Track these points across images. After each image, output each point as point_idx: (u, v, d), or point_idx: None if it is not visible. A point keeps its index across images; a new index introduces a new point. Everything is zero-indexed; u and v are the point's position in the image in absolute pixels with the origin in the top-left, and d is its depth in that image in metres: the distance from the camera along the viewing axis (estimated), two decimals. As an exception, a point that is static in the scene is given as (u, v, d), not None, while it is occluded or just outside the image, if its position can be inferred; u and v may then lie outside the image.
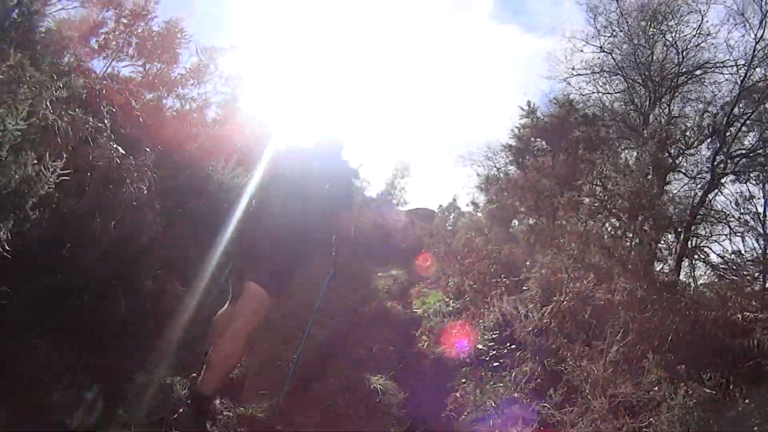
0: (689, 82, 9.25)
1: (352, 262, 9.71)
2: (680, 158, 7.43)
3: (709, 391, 3.25)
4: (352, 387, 4.30)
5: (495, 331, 5.81)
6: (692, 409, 3.18)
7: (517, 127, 10.14)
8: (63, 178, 2.63)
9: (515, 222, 9.00)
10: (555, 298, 5.26)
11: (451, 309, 7.92)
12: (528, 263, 7.06)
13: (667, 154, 6.84)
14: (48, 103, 2.67)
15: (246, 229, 3.46)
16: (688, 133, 7.41)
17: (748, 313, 4.39)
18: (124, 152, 3.52)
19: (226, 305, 3.41)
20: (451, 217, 17.70)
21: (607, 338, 4.15)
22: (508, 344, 5.43)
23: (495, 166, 11.96)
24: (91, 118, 3.23)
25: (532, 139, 9.21)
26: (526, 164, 7.49)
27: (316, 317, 4.02)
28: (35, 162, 2.45)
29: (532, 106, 9.69)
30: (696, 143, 7.44)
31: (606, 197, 5.67)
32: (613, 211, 5.43)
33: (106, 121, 3.65)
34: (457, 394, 4.62)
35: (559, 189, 7.11)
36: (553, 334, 5.07)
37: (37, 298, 2.59)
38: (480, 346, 5.64)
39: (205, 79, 8.05)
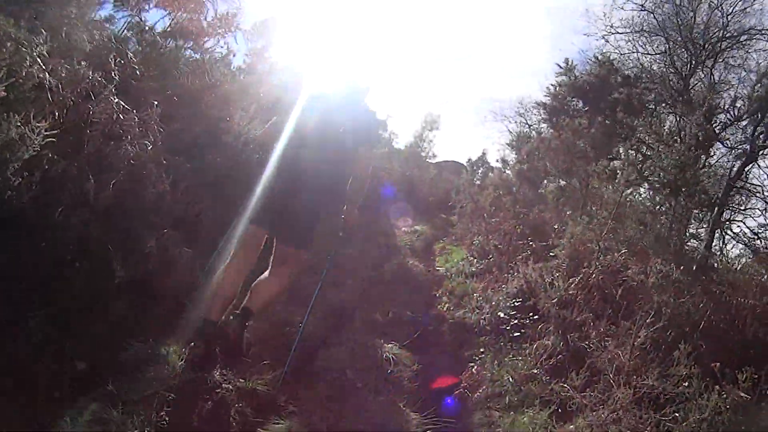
0: (733, 47, 8.68)
1: (378, 217, 9.56)
2: (726, 130, 6.93)
3: (744, 395, 2.99)
4: (364, 356, 4.11)
5: (518, 299, 5.61)
6: (723, 413, 2.95)
7: (552, 85, 9.66)
8: (49, 139, 2.43)
9: (545, 182, 8.63)
10: (583, 270, 4.99)
11: (474, 269, 7.71)
12: (557, 228, 6.74)
13: (711, 125, 6.34)
14: (38, 60, 2.45)
15: (268, 180, 3.39)
16: (738, 104, 6.87)
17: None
18: (127, 106, 3.32)
19: (230, 257, 3.33)
20: (480, 172, 17.30)
21: (637, 321, 3.88)
22: (530, 314, 5.23)
23: (527, 123, 11.54)
24: (91, 72, 3.00)
25: (569, 98, 8.69)
26: (561, 124, 7.05)
27: (325, 280, 3.97)
28: (19, 124, 2.25)
29: (570, 63, 9.15)
30: (745, 115, 6.93)
31: (647, 168, 5.27)
32: (655, 184, 5.02)
33: (113, 74, 3.45)
34: (473, 369, 4.44)
35: (595, 153, 6.70)
36: (578, 308, 4.84)
37: (23, 265, 2.43)
38: (501, 314, 5.45)
39: (233, 29, 7.81)
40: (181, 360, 2.91)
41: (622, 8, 9.31)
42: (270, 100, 7.25)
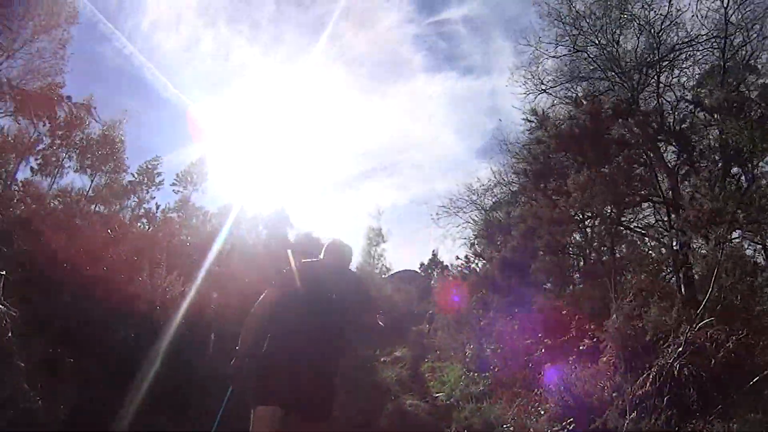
0: (675, 61, 8.18)
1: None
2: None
3: None
4: None
5: (568, 420, 4.23)
6: None
7: (525, 147, 8.53)
8: None
9: (532, 264, 7.33)
10: (656, 361, 3.71)
11: (482, 388, 6.27)
12: (572, 313, 5.48)
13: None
14: None
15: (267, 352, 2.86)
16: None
17: None
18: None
19: None
20: (435, 273, 16.57)
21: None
22: (597, 437, 3.87)
23: (483, 209, 10.56)
24: None
25: (552, 155, 7.53)
26: (550, 188, 5.90)
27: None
28: None
29: (542, 113, 8.03)
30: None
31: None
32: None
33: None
34: None
35: (618, 208, 5.62)
36: (659, 411, 3.56)
37: None
38: (557, 451, 4.04)
39: (156, 181, 7.23)
40: None
41: (554, 56, 8.72)
42: (191, 247, 6.10)
